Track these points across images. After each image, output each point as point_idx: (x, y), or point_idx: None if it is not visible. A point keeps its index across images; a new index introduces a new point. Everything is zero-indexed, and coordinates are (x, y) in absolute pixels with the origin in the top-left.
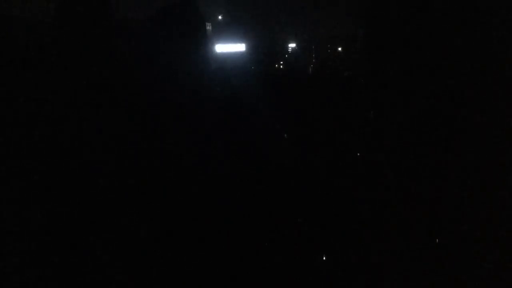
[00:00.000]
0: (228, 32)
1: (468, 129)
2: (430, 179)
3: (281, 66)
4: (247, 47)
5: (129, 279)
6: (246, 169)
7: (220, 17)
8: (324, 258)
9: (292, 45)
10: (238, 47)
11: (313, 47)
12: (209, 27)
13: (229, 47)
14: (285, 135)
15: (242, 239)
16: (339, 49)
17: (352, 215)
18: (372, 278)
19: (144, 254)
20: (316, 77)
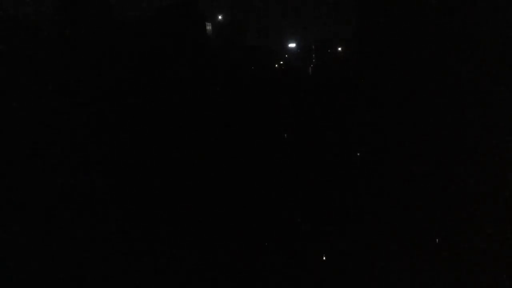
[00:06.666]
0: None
1: (467, 128)
2: (429, 179)
3: (282, 67)
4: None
5: (130, 279)
6: (246, 168)
7: (220, 17)
8: (324, 258)
9: (292, 45)
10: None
11: (313, 47)
12: (209, 27)
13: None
14: (285, 135)
15: (242, 239)
16: (339, 49)
17: (352, 215)
18: (372, 278)
19: (145, 254)
20: (316, 77)
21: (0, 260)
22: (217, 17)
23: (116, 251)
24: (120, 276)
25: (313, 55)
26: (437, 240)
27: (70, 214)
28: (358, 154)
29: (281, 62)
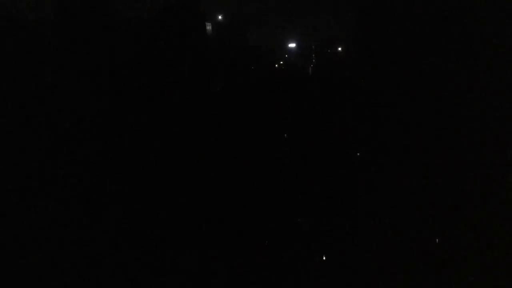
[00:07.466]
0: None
1: (467, 128)
2: (429, 179)
3: (282, 67)
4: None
5: (130, 279)
6: (246, 168)
7: (220, 17)
8: (324, 258)
9: (292, 45)
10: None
11: (313, 47)
12: (209, 27)
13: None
14: (285, 135)
15: (242, 239)
16: (339, 49)
17: (352, 215)
18: (372, 278)
19: (145, 254)
20: (316, 77)
21: (0, 260)
22: (217, 17)
23: (116, 251)
24: (120, 276)
25: (313, 55)
26: (437, 240)
27: (69, 214)
28: (358, 154)
29: (281, 62)
